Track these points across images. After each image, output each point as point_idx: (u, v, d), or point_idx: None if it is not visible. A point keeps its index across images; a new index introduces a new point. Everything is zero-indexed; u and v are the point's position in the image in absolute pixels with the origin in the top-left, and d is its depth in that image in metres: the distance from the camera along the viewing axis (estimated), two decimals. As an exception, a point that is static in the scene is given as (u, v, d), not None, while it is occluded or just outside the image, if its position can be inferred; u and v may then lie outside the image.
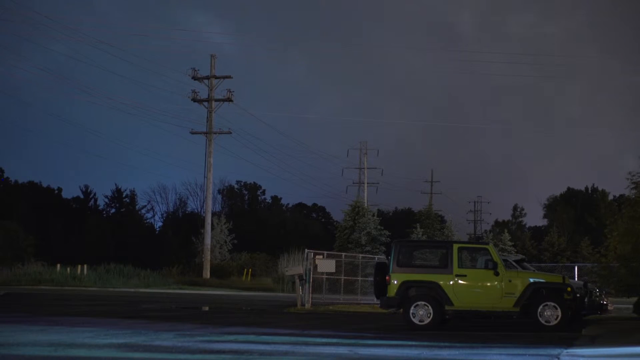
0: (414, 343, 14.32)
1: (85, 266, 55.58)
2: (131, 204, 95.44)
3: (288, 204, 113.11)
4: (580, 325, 20.66)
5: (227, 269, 67.00)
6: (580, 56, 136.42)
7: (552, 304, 18.78)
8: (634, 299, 26.06)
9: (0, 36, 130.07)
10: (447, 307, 19.03)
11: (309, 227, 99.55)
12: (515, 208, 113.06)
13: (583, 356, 12.36)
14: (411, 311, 18.90)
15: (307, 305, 30.14)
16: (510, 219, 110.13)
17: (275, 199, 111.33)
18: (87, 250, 75.14)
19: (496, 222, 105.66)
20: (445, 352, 12.79)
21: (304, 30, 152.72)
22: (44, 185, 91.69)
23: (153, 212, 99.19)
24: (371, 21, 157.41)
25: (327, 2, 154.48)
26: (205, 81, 66.36)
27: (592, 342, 15.53)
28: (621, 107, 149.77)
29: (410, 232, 72.23)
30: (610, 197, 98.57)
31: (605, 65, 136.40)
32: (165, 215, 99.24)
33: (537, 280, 19.31)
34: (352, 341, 14.46)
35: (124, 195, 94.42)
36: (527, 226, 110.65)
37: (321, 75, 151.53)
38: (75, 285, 50.78)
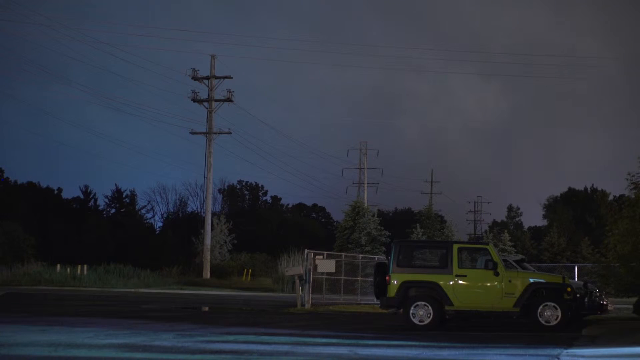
0: (414, 343, 14.31)
1: (85, 266, 55.57)
2: (131, 204, 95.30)
3: (288, 204, 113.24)
4: (580, 325, 20.66)
5: (227, 269, 66.97)
6: (581, 56, 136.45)
7: (552, 304, 18.77)
8: (634, 299, 26.07)
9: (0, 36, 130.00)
10: (447, 307, 19.03)
11: (309, 227, 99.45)
12: (510, 208, 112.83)
13: (583, 356, 12.36)
14: (411, 311, 18.91)
15: (307, 306, 30.13)
16: (505, 219, 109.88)
17: (275, 199, 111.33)
18: (87, 251, 75.03)
19: (494, 222, 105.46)
20: (445, 352, 12.78)
21: (305, 31, 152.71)
22: (44, 185, 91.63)
23: (153, 212, 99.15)
24: (371, 21, 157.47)
25: (328, 2, 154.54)
26: (205, 81, 66.38)
27: (592, 342, 15.53)
28: (621, 106, 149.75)
29: (410, 232, 72.20)
30: (610, 197, 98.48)
31: (605, 64, 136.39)
32: (165, 215, 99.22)
33: (537, 280, 19.32)
34: (352, 341, 14.45)
35: (124, 196, 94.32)
36: (525, 226, 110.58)
37: (321, 74, 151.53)
38: (75, 286, 50.78)
